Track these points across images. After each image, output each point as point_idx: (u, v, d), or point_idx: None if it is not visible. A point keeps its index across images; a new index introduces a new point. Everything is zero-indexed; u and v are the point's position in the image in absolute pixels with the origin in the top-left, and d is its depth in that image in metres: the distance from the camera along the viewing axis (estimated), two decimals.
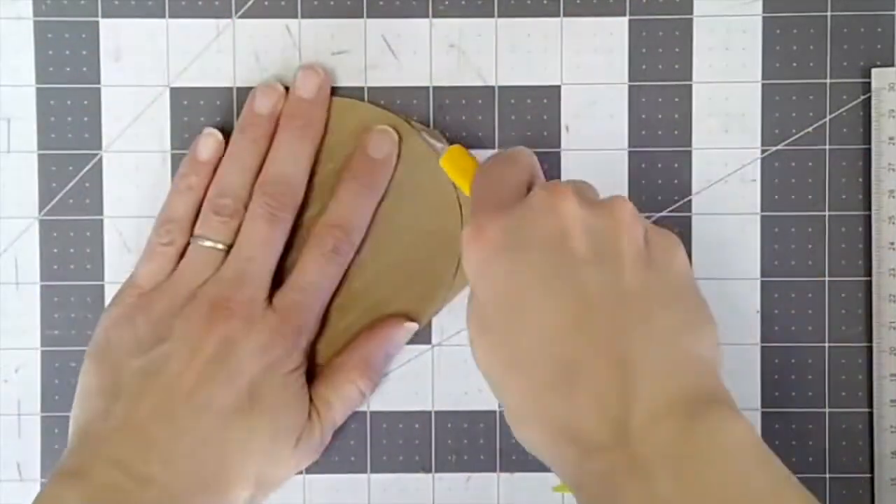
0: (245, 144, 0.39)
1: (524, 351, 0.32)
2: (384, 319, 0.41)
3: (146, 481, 0.36)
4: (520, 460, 0.41)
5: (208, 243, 0.39)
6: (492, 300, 0.33)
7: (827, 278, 0.41)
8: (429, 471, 0.42)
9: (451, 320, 0.41)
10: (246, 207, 0.39)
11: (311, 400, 0.39)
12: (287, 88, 0.40)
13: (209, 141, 0.40)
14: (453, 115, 0.41)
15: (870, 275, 0.41)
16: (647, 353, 0.31)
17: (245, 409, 0.37)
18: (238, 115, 0.41)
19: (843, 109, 0.41)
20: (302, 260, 0.39)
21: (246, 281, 0.38)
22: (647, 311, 0.31)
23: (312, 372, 0.40)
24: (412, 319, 0.41)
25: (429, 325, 0.41)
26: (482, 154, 0.41)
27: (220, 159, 0.40)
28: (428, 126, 0.41)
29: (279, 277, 0.39)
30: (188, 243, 0.39)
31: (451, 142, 0.41)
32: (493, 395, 0.34)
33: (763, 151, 0.41)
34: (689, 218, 0.41)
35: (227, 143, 0.40)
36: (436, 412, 0.42)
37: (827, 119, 0.41)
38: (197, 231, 0.39)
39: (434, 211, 0.41)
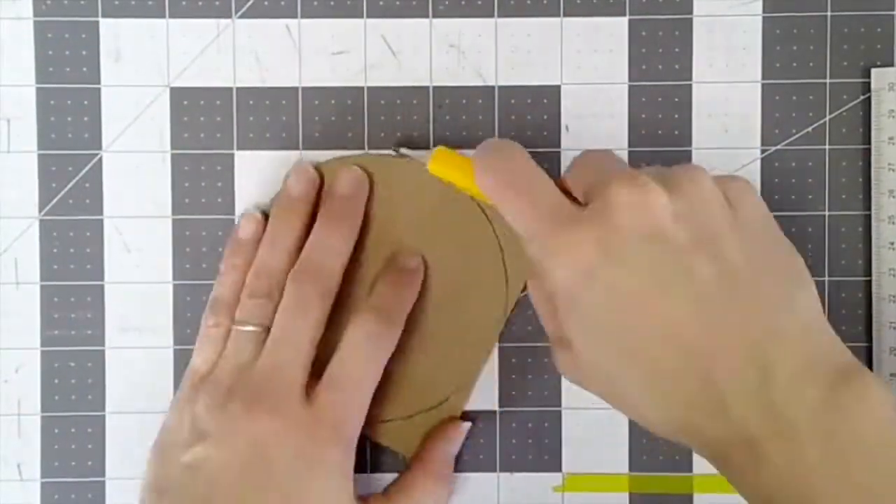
0: (281, 227, 0.39)
1: (648, 347, 0.32)
2: (439, 426, 0.41)
3: None
4: (520, 460, 0.41)
5: (248, 328, 0.38)
6: (605, 311, 0.32)
7: (827, 278, 0.41)
8: None
9: None
10: (282, 290, 0.39)
11: None
12: (319, 172, 0.41)
13: (249, 222, 0.40)
14: (453, 115, 0.41)
15: (870, 275, 0.41)
16: (771, 327, 0.31)
17: None
18: (238, 115, 0.41)
19: (843, 109, 0.41)
20: (339, 351, 0.38)
21: (278, 376, 0.37)
22: (757, 285, 0.32)
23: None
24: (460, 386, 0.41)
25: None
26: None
27: (260, 239, 0.40)
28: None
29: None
30: None
31: (449, 144, 0.41)
32: (613, 404, 0.34)
33: (763, 151, 0.41)
34: None
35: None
36: None
37: (827, 119, 0.41)
38: (237, 316, 0.39)
39: (470, 264, 0.41)
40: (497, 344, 0.41)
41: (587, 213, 0.33)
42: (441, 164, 0.38)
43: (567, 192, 0.35)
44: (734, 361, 0.31)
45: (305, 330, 0.38)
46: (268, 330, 0.38)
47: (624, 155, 0.41)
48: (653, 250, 0.32)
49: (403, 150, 0.40)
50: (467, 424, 0.41)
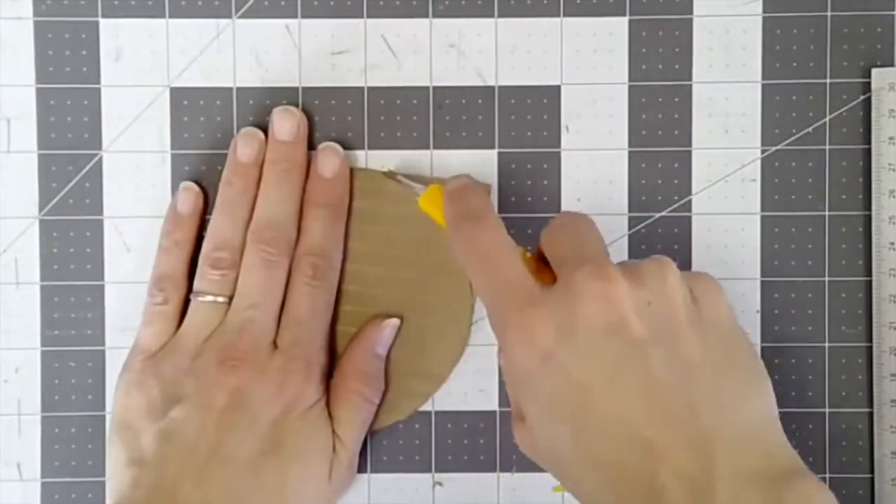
0: (233, 195, 0.40)
1: (597, 437, 0.32)
2: (366, 323, 0.41)
3: None
4: (520, 460, 0.41)
5: (209, 298, 0.39)
6: (558, 396, 0.32)
7: (827, 278, 0.41)
8: (429, 471, 0.42)
9: None
10: (241, 257, 0.39)
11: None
12: (265, 133, 0.40)
13: (188, 195, 0.40)
14: (453, 115, 0.41)
15: (870, 275, 0.41)
16: (720, 425, 0.31)
17: (271, 454, 0.37)
18: (238, 115, 0.41)
19: (843, 109, 0.41)
20: (289, 295, 0.39)
21: (250, 329, 0.38)
22: (712, 382, 0.32)
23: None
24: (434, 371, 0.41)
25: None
26: (482, 154, 0.41)
27: (201, 211, 0.41)
28: (408, 175, 0.40)
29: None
30: (185, 299, 0.40)
31: (449, 144, 0.41)
32: (564, 486, 0.34)
33: (763, 151, 0.41)
34: (689, 218, 0.41)
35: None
36: (436, 412, 0.42)
37: (827, 119, 0.41)
38: (196, 287, 0.39)
39: (431, 245, 0.41)
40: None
41: (551, 295, 0.33)
42: (431, 202, 0.38)
43: (541, 257, 0.35)
44: (678, 461, 0.31)
45: (271, 285, 0.39)
46: (229, 300, 0.39)
47: (624, 155, 0.41)
48: (610, 342, 0.32)
49: (400, 177, 0.40)
50: (395, 321, 0.41)
